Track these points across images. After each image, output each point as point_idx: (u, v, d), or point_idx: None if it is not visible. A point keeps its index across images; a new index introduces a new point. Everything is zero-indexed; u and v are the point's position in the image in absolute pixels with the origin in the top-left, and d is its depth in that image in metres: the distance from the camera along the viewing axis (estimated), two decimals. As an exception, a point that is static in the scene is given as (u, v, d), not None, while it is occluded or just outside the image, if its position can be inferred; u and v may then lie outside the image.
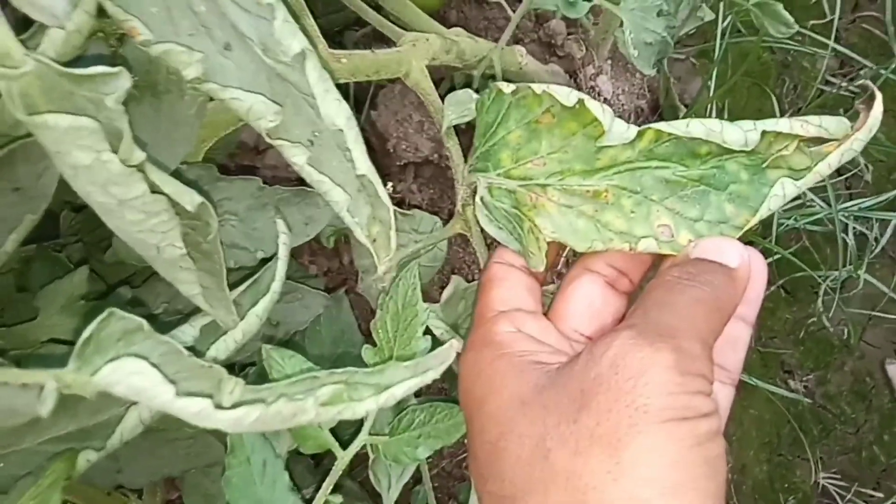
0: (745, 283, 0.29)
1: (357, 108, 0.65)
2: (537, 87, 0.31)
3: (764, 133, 0.29)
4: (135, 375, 0.21)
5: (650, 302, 0.28)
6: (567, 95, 0.30)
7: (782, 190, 0.29)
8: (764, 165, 0.29)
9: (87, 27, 0.25)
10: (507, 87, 0.31)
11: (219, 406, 0.22)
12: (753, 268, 0.30)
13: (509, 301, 0.31)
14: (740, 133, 0.29)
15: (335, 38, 0.65)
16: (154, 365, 0.22)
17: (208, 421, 0.21)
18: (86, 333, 0.22)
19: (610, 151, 0.30)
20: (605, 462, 0.24)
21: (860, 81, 0.85)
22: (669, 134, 0.29)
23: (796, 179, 0.29)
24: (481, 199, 0.33)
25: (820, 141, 0.29)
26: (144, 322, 0.23)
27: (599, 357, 0.26)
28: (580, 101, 0.30)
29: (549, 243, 0.31)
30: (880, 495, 0.84)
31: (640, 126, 0.32)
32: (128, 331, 0.23)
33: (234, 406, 0.22)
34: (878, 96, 0.28)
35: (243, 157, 0.63)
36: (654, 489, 0.23)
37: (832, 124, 0.29)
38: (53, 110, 0.23)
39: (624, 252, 0.30)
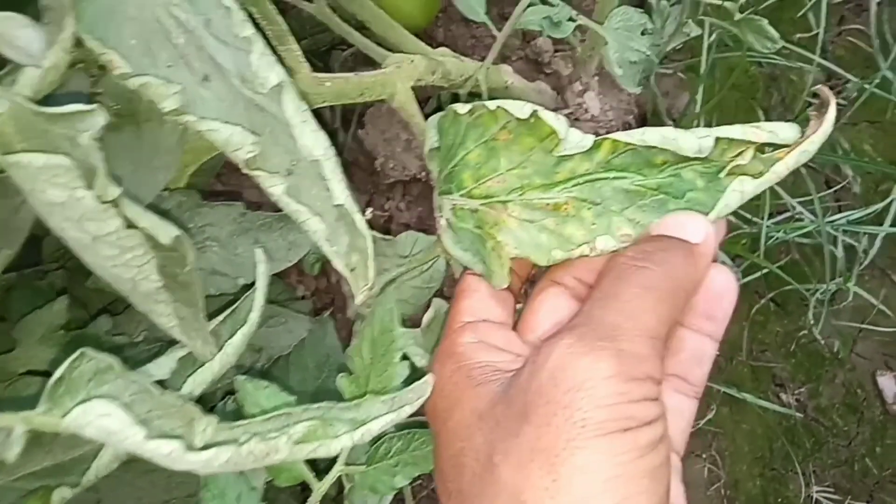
0: (708, 259, 0.28)
1: (344, 126, 0.65)
2: (491, 104, 0.31)
3: (718, 140, 0.29)
4: (104, 418, 0.21)
5: (596, 295, 0.27)
6: (521, 108, 0.30)
7: (741, 186, 0.29)
8: (720, 173, 0.29)
9: (64, 64, 0.24)
10: (462, 108, 0.32)
11: (190, 447, 0.22)
12: (722, 285, 0.29)
13: (477, 311, 0.31)
14: (694, 140, 0.29)
15: (322, 58, 0.65)
16: (125, 405, 0.21)
17: (179, 463, 0.21)
18: (57, 374, 0.22)
19: (568, 164, 0.30)
20: (544, 478, 0.23)
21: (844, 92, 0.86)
22: (626, 144, 0.29)
23: (752, 191, 0.29)
24: (447, 220, 0.33)
25: (774, 147, 0.29)
26: (115, 361, 0.22)
27: (540, 367, 0.25)
28: (534, 113, 0.30)
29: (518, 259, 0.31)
30: (873, 507, 0.84)
31: None
32: (99, 370, 0.22)
33: (206, 447, 0.22)
34: (832, 102, 0.28)
35: (230, 178, 0.63)
36: None
37: (783, 130, 0.29)
38: (28, 148, 0.23)
39: (589, 264, 0.30)
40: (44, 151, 0.23)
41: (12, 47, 0.22)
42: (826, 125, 0.28)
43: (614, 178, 0.30)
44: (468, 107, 0.32)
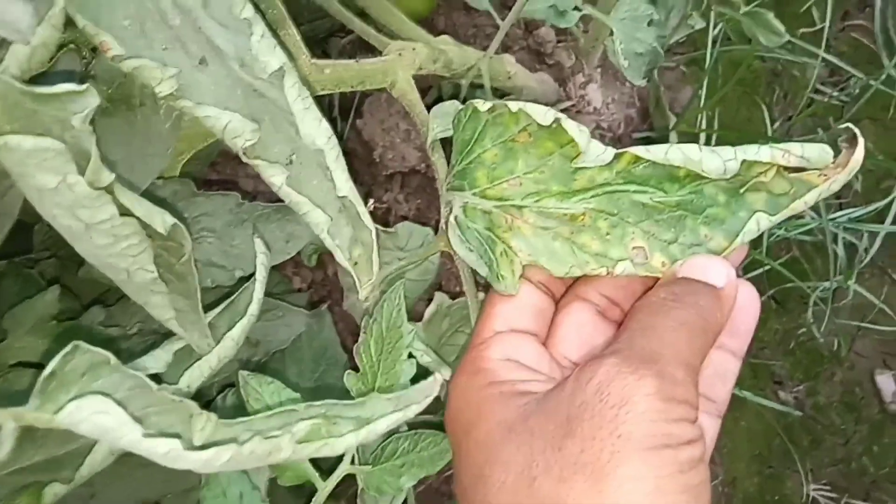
0: (732, 302, 0.29)
1: (342, 116, 0.64)
2: (513, 105, 0.30)
3: (744, 161, 0.28)
4: (100, 414, 0.20)
5: (635, 325, 0.28)
6: (544, 114, 0.29)
7: (756, 225, 0.29)
8: (742, 190, 0.29)
9: (54, 42, 0.23)
10: (484, 105, 0.31)
11: (189, 445, 0.21)
12: (745, 301, 0.30)
13: (511, 320, 0.30)
14: (719, 162, 0.28)
15: (320, 45, 0.63)
16: (120, 402, 0.21)
17: (178, 462, 0.20)
18: (49, 368, 0.21)
19: (587, 172, 0.30)
20: (588, 491, 0.24)
21: (852, 90, 0.85)
22: (647, 160, 0.29)
23: (774, 207, 0.29)
24: (455, 218, 0.32)
25: (795, 169, 0.29)
26: (111, 356, 0.21)
27: (585, 384, 0.25)
28: (557, 121, 0.29)
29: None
30: (870, 505, 0.83)
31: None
32: (93, 364, 0.21)
33: (206, 445, 0.21)
34: (861, 141, 0.28)
35: (225, 167, 0.62)
36: None
37: (814, 153, 0.28)
38: (16, 130, 0.22)
39: (614, 281, 0.30)
40: (33, 134, 0.22)
41: (0, 22, 0.21)
42: (853, 164, 0.28)
43: (633, 191, 0.29)
44: (489, 104, 0.31)
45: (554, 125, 0.29)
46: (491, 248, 0.31)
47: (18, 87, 0.21)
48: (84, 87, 0.22)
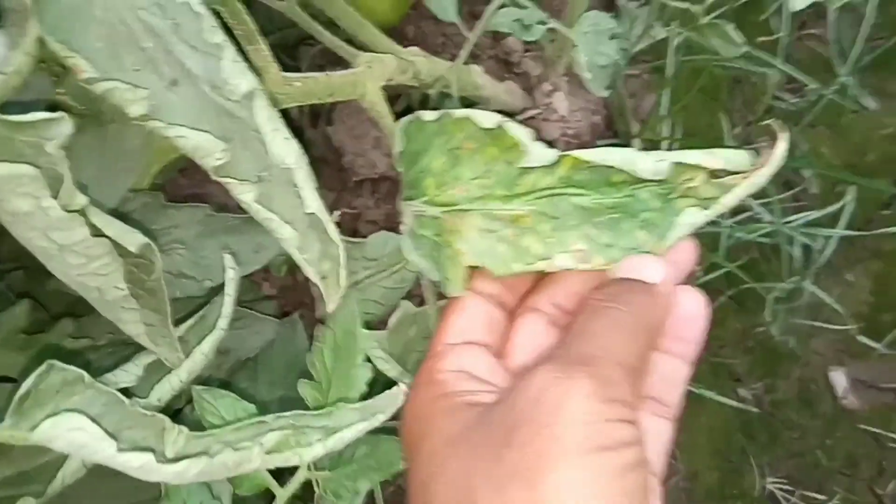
0: (669, 298, 0.30)
1: (312, 123, 0.65)
2: (457, 113, 0.31)
3: (674, 164, 0.30)
4: (75, 431, 0.21)
5: (572, 332, 0.28)
6: (487, 119, 0.31)
7: (690, 219, 0.30)
8: (673, 196, 0.30)
9: (27, 68, 0.24)
10: (429, 115, 0.32)
11: (162, 458, 0.22)
12: (694, 308, 0.30)
13: (464, 332, 0.31)
14: (651, 163, 0.30)
15: (290, 54, 0.64)
16: (94, 419, 0.21)
17: (152, 475, 0.21)
18: (24, 387, 0.21)
19: (530, 177, 0.31)
20: (524, 497, 0.24)
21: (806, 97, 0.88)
22: (587, 161, 0.30)
23: (704, 209, 0.30)
24: (409, 228, 0.33)
25: (727, 173, 0.30)
26: (85, 374, 0.22)
27: (522, 393, 0.26)
28: (499, 125, 0.30)
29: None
30: (823, 497, 0.87)
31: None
32: (67, 382, 0.22)
33: (178, 458, 0.22)
34: (783, 135, 0.29)
35: (195, 173, 0.62)
36: None
37: (737, 157, 0.30)
38: (-10, 157, 0.22)
39: (566, 289, 0.31)
40: (7, 160, 0.22)
41: (-26, 52, 0.22)
42: (775, 159, 0.29)
43: (573, 194, 0.30)
44: (434, 114, 0.32)
45: (497, 129, 0.30)
46: (439, 253, 0.32)
47: (-7, 115, 0.21)
48: (58, 115, 0.22)
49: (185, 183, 0.61)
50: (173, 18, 0.27)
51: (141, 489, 0.37)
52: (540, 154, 0.30)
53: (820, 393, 0.88)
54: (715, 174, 0.30)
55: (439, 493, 0.26)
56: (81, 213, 0.24)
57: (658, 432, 0.31)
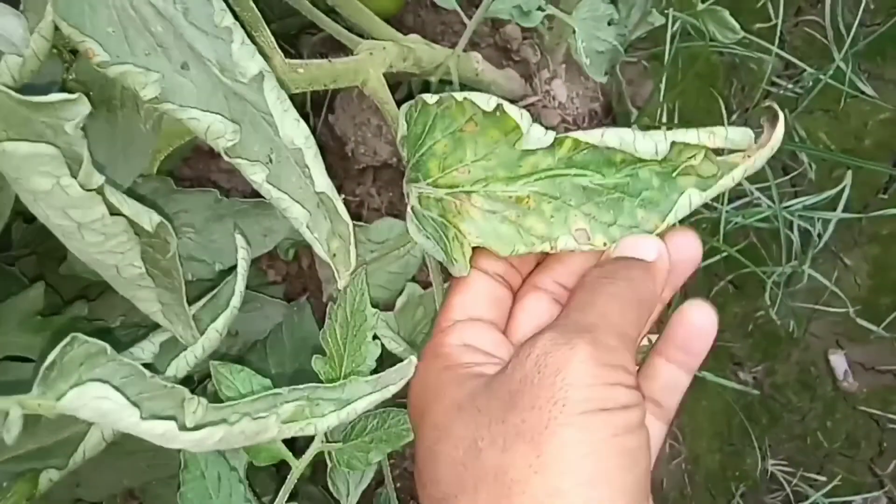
0: (664, 274, 0.30)
1: (315, 111, 0.65)
2: (459, 96, 0.31)
3: (674, 143, 0.30)
4: (100, 400, 0.21)
5: (572, 304, 0.29)
6: (486, 101, 0.31)
7: (688, 200, 0.31)
8: (674, 174, 0.31)
9: (44, 52, 0.25)
10: (431, 98, 0.32)
11: (182, 427, 0.23)
12: (702, 322, 0.31)
13: (469, 309, 0.32)
14: (651, 143, 0.30)
15: (292, 42, 0.64)
16: (117, 388, 0.22)
17: (173, 442, 0.22)
18: (49, 358, 0.22)
19: (531, 158, 0.31)
20: (528, 456, 0.25)
21: (802, 83, 0.88)
22: (587, 143, 0.31)
23: (704, 188, 0.31)
24: (412, 208, 0.34)
25: (728, 152, 0.31)
26: (107, 346, 0.23)
27: (525, 359, 0.27)
28: (499, 107, 0.31)
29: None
30: (823, 478, 0.88)
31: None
32: (90, 354, 0.23)
33: (198, 427, 0.23)
34: (781, 116, 0.30)
35: (198, 161, 0.63)
36: (570, 481, 0.24)
37: (737, 135, 0.30)
38: (12, 137, 0.23)
39: (568, 267, 0.31)
40: (28, 140, 0.23)
41: (-6, 36, 0.22)
42: (774, 141, 0.29)
43: (574, 174, 0.31)
44: (436, 97, 0.32)
45: (497, 112, 0.31)
46: (444, 233, 0.33)
47: (15, 97, 0.22)
48: (76, 96, 0.23)
49: (188, 172, 0.62)
50: (183, 3, 0.28)
51: (156, 467, 0.38)
52: (538, 136, 0.31)
53: (819, 375, 0.89)
54: (715, 153, 0.31)
55: (445, 454, 0.27)
56: (99, 191, 0.25)
57: (653, 432, 0.31)
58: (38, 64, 0.25)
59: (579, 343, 0.26)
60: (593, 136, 0.31)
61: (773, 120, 0.30)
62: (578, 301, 0.29)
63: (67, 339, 0.23)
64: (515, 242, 0.32)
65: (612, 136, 0.31)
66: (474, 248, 0.33)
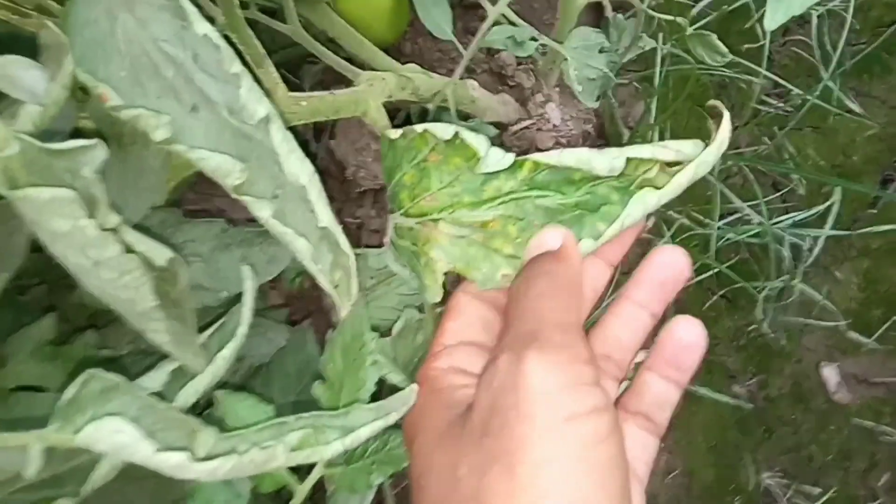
0: (576, 253, 0.31)
1: (316, 136, 0.67)
2: (419, 128, 0.33)
3: (629, 159, 0.31)
4: (116, 434, 0.22)
5: (509, 319, 0.30)
6: (444, 130, 0.32)
7: (644, 200, 0.31)
8: (631, 187, 0.32)
9: (63, 100, 0.26)
10: (395, 133, 0.33)
11: (194, 457, 0.24)
12: (692, 339, 0.32)
13: (460, 334, 0.32)
14: (607, 161, 0.31)
15: (293, 72, 0.66)
16: (132, 420, 0.23)
17: (186, 473, 0.23)
18: (67, 394, 0.23)
19: (494, 182, 0.32)
20: (504, 480, 0.24)
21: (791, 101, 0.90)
22: (546, 164, 0.32)
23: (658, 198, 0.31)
24: (390, 239, 0.35)
25: (682, 163, 0.32)
26: (122, 380, 0.24)
27: (488, 385, 0.27)
28: (456, 135, 0.32)
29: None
30: (819, 490, 0.89)
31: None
32: (106, 388, 0.24)
33: (209, 457, 0.24)
34: (726, 115, 0.31)
35: (202, 187, 0.64)
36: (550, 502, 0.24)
37: (688, 147, 0.32)
38: (33, 182, 0.24)
39: None
40: (48, 185, 0.24)
41: (17, 87, 0.24)
42: (719, 142, 0.31)
43: (536, 196, 0.32)
44: (400, 132, 0.34)
45: (456, 140, 0.32)
46: (417, 261, 0.34)
47: (37, 144, 0.23)
48: (94, 141, 0.24)
49: (193, 198, 0.63)
50: (193, 49, 0.29)
51: (162, 494, 0.39)
52: (497, 159, 0.32)
53: (812, 388, 0.91)
54: (671, 165, 0.32)
55: (430, 487, 0.27)
56: (114, 230, 0.26)
57: (644, 445, 0.33)
58: (57, 111, 0.26)
59: (529, 354, 0.26)
60: (552, 156, 0.32)
61: (718, 121, 0.31)
62: (513, 312, 0.30)
63: (84, 376, 0.24)
64: (484, 265, 0.32)
65: (569, 157, 0.32)
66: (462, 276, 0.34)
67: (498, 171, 0.32)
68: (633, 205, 0.31)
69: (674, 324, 0.33)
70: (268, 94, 0.35)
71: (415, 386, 0.29)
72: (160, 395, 0.26)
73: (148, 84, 0.30)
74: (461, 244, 0.33)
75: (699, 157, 0.31)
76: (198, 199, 0.63)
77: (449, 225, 0.33)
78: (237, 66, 0.28)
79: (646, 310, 0.34)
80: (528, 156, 0.32)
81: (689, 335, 0.32)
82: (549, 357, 0.26)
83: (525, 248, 0.32)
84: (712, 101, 0.32)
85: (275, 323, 0.45)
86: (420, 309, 0.45)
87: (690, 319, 0.32)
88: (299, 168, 0.30)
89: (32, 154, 0.24)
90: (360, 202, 0.66)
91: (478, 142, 0.32)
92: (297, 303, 0.63)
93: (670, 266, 0.33)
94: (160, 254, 0.28)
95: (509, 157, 0.32)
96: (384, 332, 0.37)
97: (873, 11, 0.91)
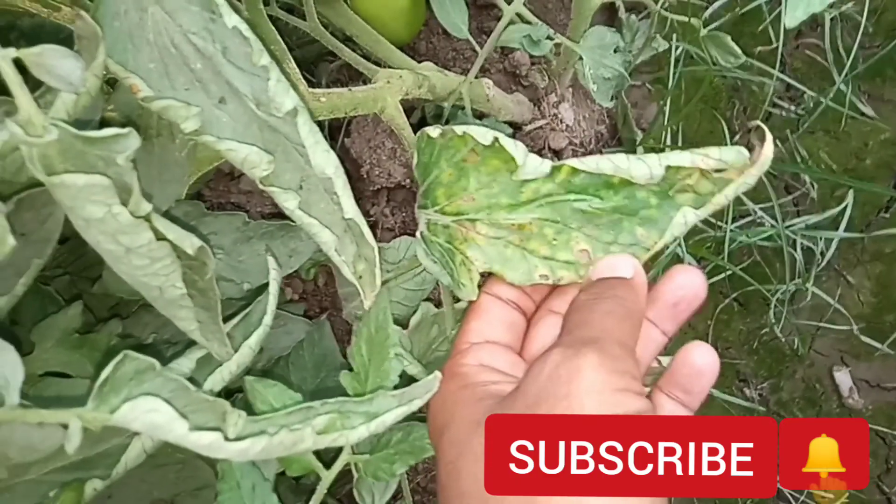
0: (644, 287, 0.32)
1: (332, 135, 0.67)
2: (459, 129, 0.33)
3: (668, 167, 0.32)
4: (151, 413, 0.23)
5: (571, 324, 0.31)
6: (484, 135, 0.33)
7: (684, 218, 0.32)
8: (671, 192, 0.32)
9: (96, 89, 0.27)
10: (435, 131, 0.34)
11: (225, 438, 0.24)
12: (703, 363, 0.32)
13: (484, 333, 0.33)
14: (646, 168, 0.32)
15: (310, 70, 0.67)
16: (166, 401, 0.24)
17: (218, 452, 0.24)
18: (104, 374, 0.24)
19: (532, 185, 0.33)
20: None
21: (804, 105, 0.90)
22: (583, 170, 0.32)
23: (699, 205, 0.32)
24: (421, 234, 0.35)
25: (723, 169, 0.32)
26: (156, 362, 0.25)
27: (538, 373, 0.28)
28: (496, 140, 0.32)
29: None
30: (831, 496, 0.88)
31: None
32: (139, 370, 0.25)
33: (239, 438, 0.24)
34: (769, 137, 0.31)
35: (219, 183, 0.65)
36: None
37: (730, 156, 0.31)
38: (69, 168, 0.25)
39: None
40: (83, 171, 0.25)
41: (53, 76, 0.24)
42: (764, 159, 0.31)
43: (574, 199, 0.32)
44: (440, 130, 0.34)
45: (496, 144, 0.32)
46: (451, 259, 0.34)
47: (73, 132, 0.24)
48: (127, 130, 0.25)
49: (209, 194, 0.64)
50: (222, 42, 0.30)
51: (185, 479, 0.40)
52: (534, 166, 0.32)
53: (825, 392, 0.90)
54: (709, 170, 0.32)
55: (465, 470, 0.28)
56: (146, 218, 0.26)
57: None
58: (91, 100, 0.27)
59: (588, 352, 0.28)
60: (589, 163, 0.32)
61: (762, 137, 0.31)
62: (576, 320, 0.31)
63: (119, 356, 0.24)
64: (521, 266, 0.33)
65: (606, 164, 0.32)
66: (489, 275, 0.35)
67: (534, 178, 0.33)
68: (675, 224, 0.32)
69: (688, 350, 0.33)
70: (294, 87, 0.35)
71: (438, 374, 0.30)
72: (190, 381, 0.27)
73: (176, 76, 0.30)
74: (498, 245, 0.33)
75: (742, 178, 0.31)
76: (214, 195, 0.64)
77: (486, 226, 0.34)
78: (266, 59, 0.29)
79: (658, 328, 0.34)
80: (564, 161, 0.32)
81: (702, 361, 0.33)
82: (606, 361, 0.28)
83: (562, 248, 0.33)
84: (755, 122, 0.32)
85: (294, 316, 0.46)
86: (436, 304, 0.45)
87: (703, 346, 0.33)
88: (325, 160, 0.31)
89: (68, 141, 0.24)
90: (374, 200, 0.66)
91: (515, 150, 0.32)
92: (312, 299, 0.64)
93: (688, 288, 0.33)
94: (190, 242, 0.28)
95: (546, 165, 0.32)
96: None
97: (887, 14, 0.91)
